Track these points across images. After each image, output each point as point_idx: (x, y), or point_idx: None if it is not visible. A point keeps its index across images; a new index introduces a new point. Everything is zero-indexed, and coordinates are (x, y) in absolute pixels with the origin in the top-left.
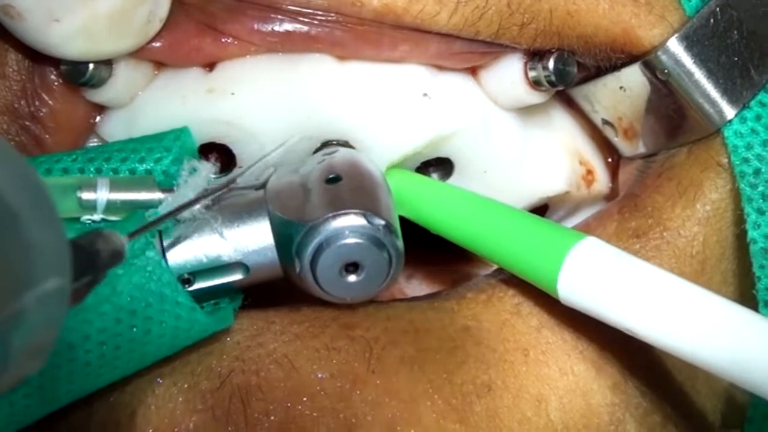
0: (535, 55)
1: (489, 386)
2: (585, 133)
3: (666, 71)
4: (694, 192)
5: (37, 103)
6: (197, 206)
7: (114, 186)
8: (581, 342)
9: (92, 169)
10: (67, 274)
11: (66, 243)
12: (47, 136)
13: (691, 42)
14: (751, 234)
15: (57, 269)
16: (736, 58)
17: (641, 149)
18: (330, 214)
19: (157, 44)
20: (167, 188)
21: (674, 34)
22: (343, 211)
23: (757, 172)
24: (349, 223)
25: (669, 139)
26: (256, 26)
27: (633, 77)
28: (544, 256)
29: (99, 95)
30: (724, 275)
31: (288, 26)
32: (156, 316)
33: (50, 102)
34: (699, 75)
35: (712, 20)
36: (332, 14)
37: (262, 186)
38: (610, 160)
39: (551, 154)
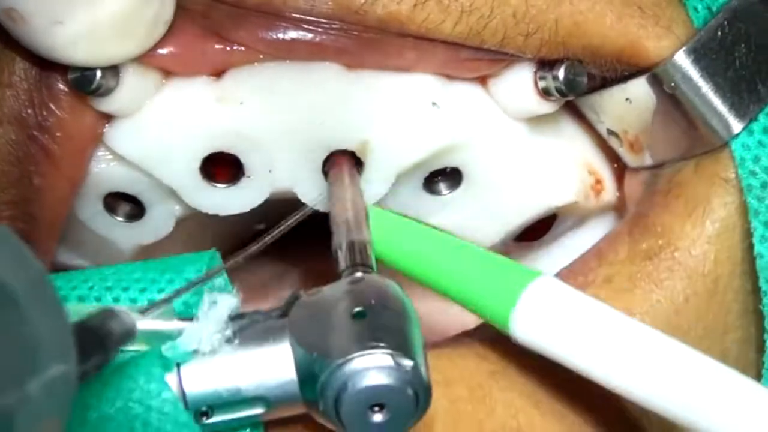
0: (545, 65)
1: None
2: (594, 143)
3: (673, 84)
4: (702, 209)
5: (44, 112)
6: (216, 336)
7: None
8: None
9: (110, 298)
10: (72, 360)
11: (69, 328)
12: (55, 145)
13: (698, 55)
14: (758, 248)
15: (61, 356)
16: (743, 72)
17: (647, 161)
18: (356, 354)
19: (163, 51)
20: (187, 317)
21: (681, 46)
22: (369, 351)
23: (764, 185)
24: (375, 364)
25: (675, 153)
26: (260, 33)
27: (639, 89)
28: (498, 296)
29: (107, 104)
30: (736, 292)
31: (293, 33)
32: None
33: (57, 111)
34: (706, 89)
35: (719, 33)
36: (336, 22)
37: (284, 314)
38: (615, 165)
39: (560, 164)
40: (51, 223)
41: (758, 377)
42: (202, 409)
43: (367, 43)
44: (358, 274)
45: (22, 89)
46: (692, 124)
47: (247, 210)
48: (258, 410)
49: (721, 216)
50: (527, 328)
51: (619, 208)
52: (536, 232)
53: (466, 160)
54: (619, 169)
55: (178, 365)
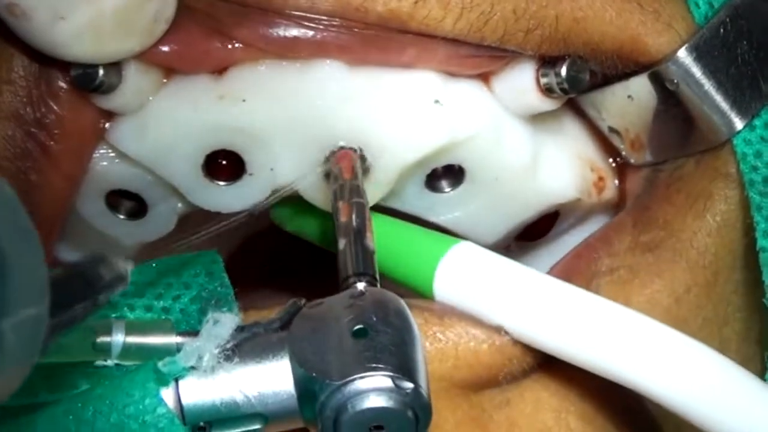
0: (547, 62)
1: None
2: (596, 140)
3: (675, 82)
4: (704, 203)
5: (43, 109)
6: (216, 352)
7: (130, 329)
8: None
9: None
10: (43, 304)
11: (44, 272)
12: (53, 142)
13: (700, 53)
14: (761, 242)
15: (33, 299)
16: (745, 69)
17: (648, 158)
18: (356, 376)
19: (165, 48)
20: (185, 332)
21: (682, 43)
22: (369, 373)
23: (766, 180)
24: (374, 386)
25: (676, 149)
26: (262, 31)
27: (641, 87)
28: (421, 261)
29: (109, 101)
30: (736, 285)
31: (294, 31)
32: None
33: (56, 108)
34: (708, 86)
35: (722, 30)
36: (337, 19)
37: (284, 325)
38: (616, 162)
39: (563, 161)
40: (51, 219)
41: (762, 371)
42: (199, 425)
43: (368, 40)
44: (360, 286)
45: (21, 86)
46: (694, 121)
47: (249, 208)
48: (256, 426)
49: (722, 210)
50: (448, 288)
51: (620, 205)
52: (538, 230)
53: (468, 158)
54: (620, 165)
55: (177, 380)
